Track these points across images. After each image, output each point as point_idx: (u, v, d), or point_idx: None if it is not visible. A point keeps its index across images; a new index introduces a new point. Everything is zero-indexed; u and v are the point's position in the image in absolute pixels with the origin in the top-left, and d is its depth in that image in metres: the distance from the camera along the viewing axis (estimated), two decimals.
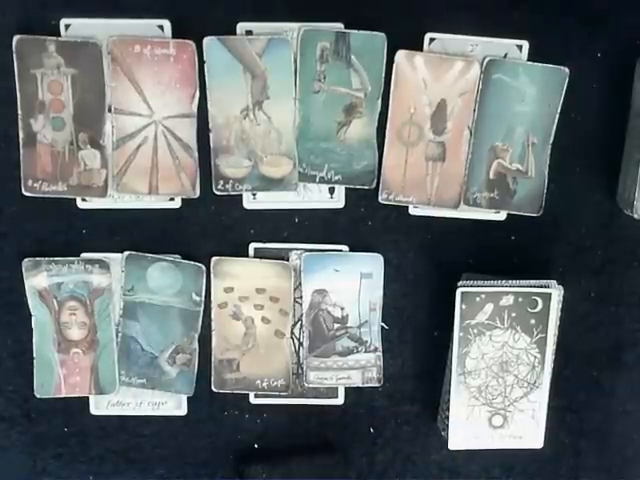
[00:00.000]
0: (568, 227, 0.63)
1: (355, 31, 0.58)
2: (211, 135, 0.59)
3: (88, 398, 0.63)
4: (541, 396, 0.61)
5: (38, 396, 0.62)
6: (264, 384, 0.63)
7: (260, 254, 0.62)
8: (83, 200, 0.60)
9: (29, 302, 0.60)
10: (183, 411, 0.63)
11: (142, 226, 0.61)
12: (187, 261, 0.61)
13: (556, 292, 0.61)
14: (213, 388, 0.63)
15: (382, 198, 0.61)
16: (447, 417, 0.62)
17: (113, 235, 0.61)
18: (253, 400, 0.64)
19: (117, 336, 0.62)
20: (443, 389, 0.63)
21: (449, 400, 0.61)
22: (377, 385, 0.63)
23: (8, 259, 0.60)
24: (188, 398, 0.63)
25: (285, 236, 0.62)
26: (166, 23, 0.57)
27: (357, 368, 0.63)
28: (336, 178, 0.61)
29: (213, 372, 0.63)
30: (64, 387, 0.62)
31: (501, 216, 0.62)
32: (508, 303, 0.60)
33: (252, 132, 0.59)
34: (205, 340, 0.62)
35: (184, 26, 0.57)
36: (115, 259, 0.61)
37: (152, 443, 0.64)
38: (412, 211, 0.62)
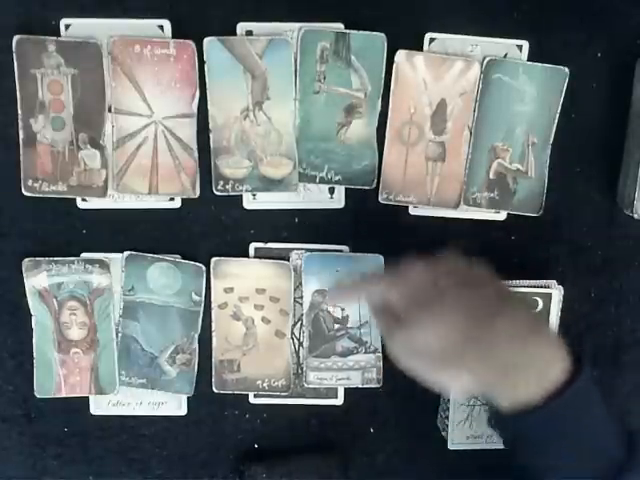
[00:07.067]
0: (568, 227, 0.63)
1: (355, 31, 0.58)
2: (211, 135, 0.59)
3: (88, 398, 0.63)
4: None
5: (38, 396, 0.62)
6: (264, 384, 0.63)
7: (260, 254, 0.62)
8: (83, 200, 0.60)
9: (29, 302, 0.60)
10: (183, 411, 0.63)
11: (142, 226, 0.61)
12: (187, 261, 0.61)
13: (556, 292, 0.61)
14: (214, 388, 0.63)
15: (382, 198, 0.61)
16: (447, 417, 0.62)
17: (113, 235, 0.61)
18: (253, 400, 0.64)
19: (117, 336, 0.62)
20: None
21: (449, 400, 0.61)
22: (376, 386, 0.63)
23: (8, 259, 0.60)
24: (188, 398, 0.63)
25: (285, 236, 0.62)
26: (166, 23, 0.57)
27: (357, 369, 0.63)
28: (336, 178, 0.61)
29: (214, 372, 0.63)
30: (64, 387, 0.62)
31: (501, 216, 0.62)
32: None
33: (252, 132, 0.59)
34: (205, 340, 0.62)
35: (184, 26, 0.57)
36: (115, 259, 0.61)
37: (152, 443, 0.64)
38: (412, 211, 0.62)
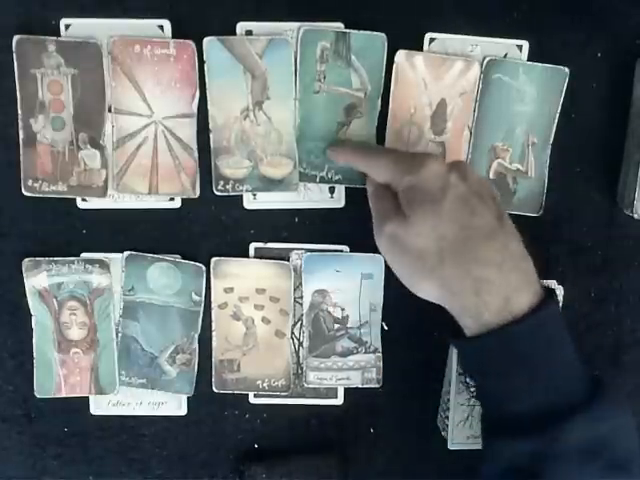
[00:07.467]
0: (568, 227, 0.63)
1: (355, 31, 0.58)
2: (211, 135, 0.59)
3: (88, 398, 0.63)
4: None
5: (38, 396, 0.62)
6: (265, 384, 0.63)
7: (260, 254, 0.62)
8: (83, 200, 0.60)
9: (29, 302, 0.60)
10: (183, 411, 0.63)
11: (142, 226, 0.61)
12: (187, 261, 0.61)
13: (556, 292, 0.61)
14: (214, 388, 0.63)
15: None
16: (447, 417, 0.62)
17: (113, 235, 0.61)
18: (253, 400, 0.64)
19: (117, 336, 0.62)
20: (443, 389, 0.63)
21: (449, 400, 0.61)
22: (376, 386, 0.63)
23: (8, 259, 0.60)
24: (188, 398, 0.63)
25: (285, 236, 0.62)
26: (166, 23, 0.57)
27: (357, 369, 0.63)
28: (336, 178, 0.61)
29: (214, 372, 0.63)
30: (64, 387, 0.62)
31: None
32: None
33: (252, 132, 0.59)
34: (205, 340, 0.62)
35: (184, 26, 0.57)
36: (115, 259, 0.61)
37: (152, 443, 0.64)
38: None
